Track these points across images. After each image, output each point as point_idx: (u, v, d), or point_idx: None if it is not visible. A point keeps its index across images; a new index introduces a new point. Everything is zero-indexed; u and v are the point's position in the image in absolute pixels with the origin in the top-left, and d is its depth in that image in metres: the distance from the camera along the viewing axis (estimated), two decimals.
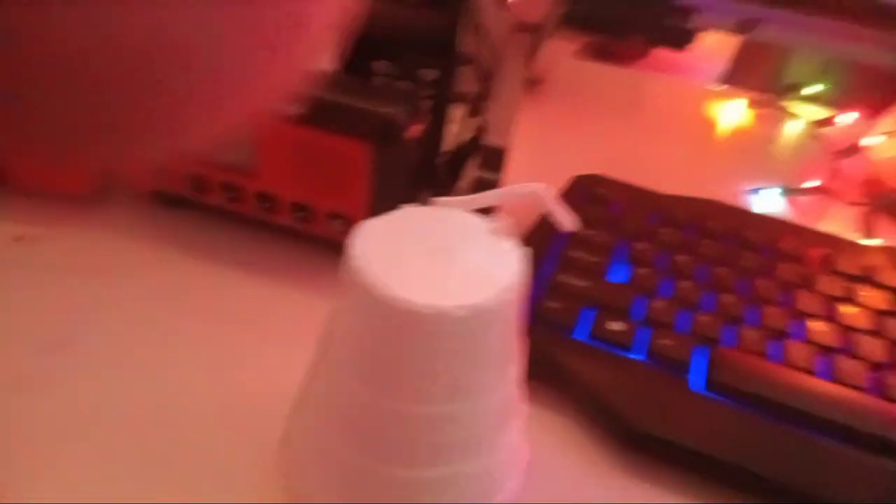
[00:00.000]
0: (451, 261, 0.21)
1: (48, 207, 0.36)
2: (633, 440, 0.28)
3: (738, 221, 0.39)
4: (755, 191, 0.48)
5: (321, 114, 0.32)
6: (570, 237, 0.36)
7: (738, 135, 0.56)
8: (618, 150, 0.50)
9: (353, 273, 0.20)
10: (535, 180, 0.44)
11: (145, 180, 0.36)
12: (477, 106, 0.40)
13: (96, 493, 0.24)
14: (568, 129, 0.54)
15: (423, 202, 0.23)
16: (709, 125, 0.57)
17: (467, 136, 0.41)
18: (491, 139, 0.39)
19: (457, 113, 0.41)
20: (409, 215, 0.23)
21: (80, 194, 0.37)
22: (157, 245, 0.35)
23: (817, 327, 0.33)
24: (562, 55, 0.63)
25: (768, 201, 0.48)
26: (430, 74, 0.38)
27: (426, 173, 0.37)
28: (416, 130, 0.33)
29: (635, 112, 0.59)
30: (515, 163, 0.48)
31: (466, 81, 0.41)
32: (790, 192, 0.48)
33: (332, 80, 0.33)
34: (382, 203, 0.34)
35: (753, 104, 0.58)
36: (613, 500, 0.27)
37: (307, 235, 0.36)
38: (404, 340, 0.20)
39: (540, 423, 0.30)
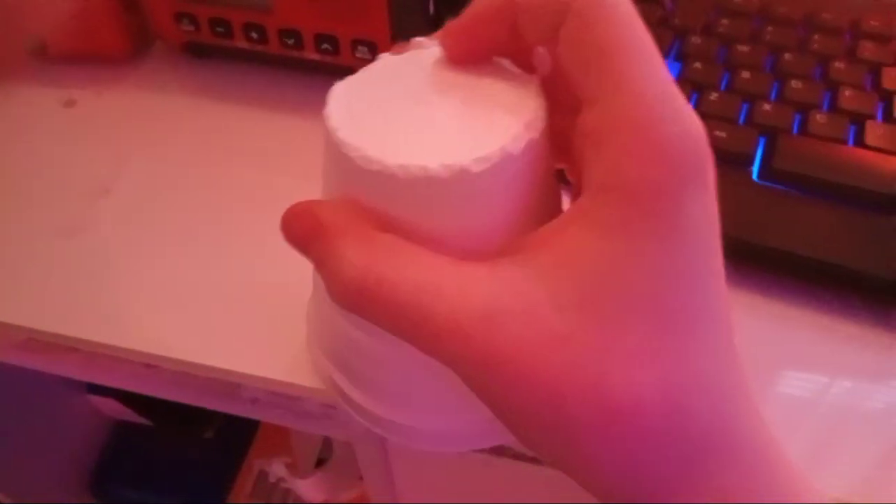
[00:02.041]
0: (457, 106, 0.17)
1: (90, 70, 0.37)
2: None
3: (817, 4, 0.34)
4: None
5: None
6: None
7: None
8: None
9: (334, 143, 0.16)
10: None
11: (175, 34, 0.36)
12: None
13: (132, 329, 0.26)
14: None
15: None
16: None
17: None
18: None
19: None
20: (392, 64, 0.18)
21: (119, 55, 0.37)
22: (193, 95, 0.36)
23: None
24: None
25: None
26: None
27: None
28: None
29: None
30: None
31: None
32: None
33: None
34: (404, 24, 0.32)
35: None
36: None
37: (335, 68, 0.34)
38: (411, 212, 0.16)
39: None
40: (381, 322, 0.15)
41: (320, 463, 0.57)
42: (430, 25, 0.33)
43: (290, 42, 0.34)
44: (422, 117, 0.16)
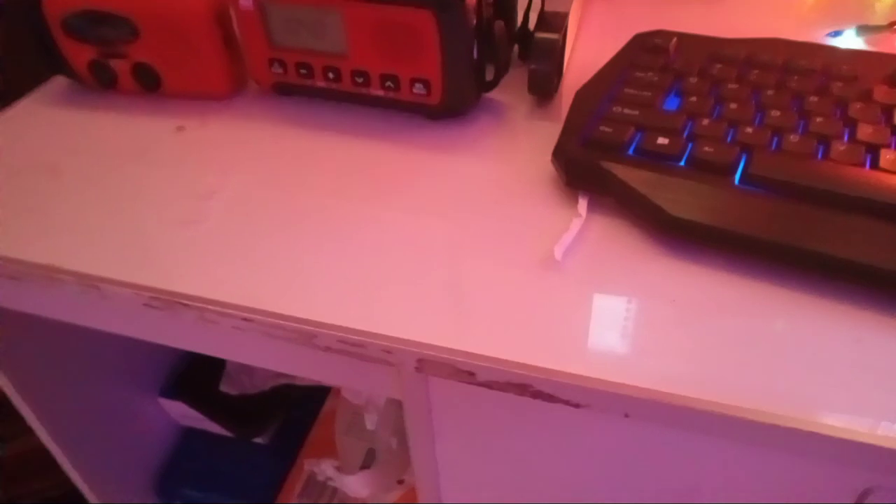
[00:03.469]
0: None
1: (197, 104, 0.45)
2: (673, 228, 0.33)
3: (796, 52, 0.41)
4: (836, 33, 0.49)
5: None
6: (627, 79, 0.40)
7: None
8: (697, 21, 0.52)
9: None
10: (601, 44, 0.48)
11: (267, 76, 0.44)
12: None
13: (236, 288, 0.33)
14: (645, 8, 0.56)
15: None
16: None
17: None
18: (550, 6, 0.43)
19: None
20: None
21: (221, 94, 0.46)
22: (279, 125, 0.44)
23: (867, 129, 0.35)
24: None
25: (849, 42, 0.48)
26: None
27: (495, 45, 0.42)
28: None
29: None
30: (585, 32, 0.52)
31: None
32: (869, 30, 0.48)
33: None
34: (453, 66, 0.40)
35: None
36: (664, 278, 0.32)
37: (396, 102, 0.42)
38: None
39: (599, 226, 0.35)
40: None
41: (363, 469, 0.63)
42: (474, 69, 0.41)
43: (360, 81, 0.42)
44: None
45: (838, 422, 0.26)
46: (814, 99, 0.37)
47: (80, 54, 0.45)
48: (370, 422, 0.59)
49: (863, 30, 0.48)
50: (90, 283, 0.34)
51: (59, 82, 0.49)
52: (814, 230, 0.31)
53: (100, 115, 0.46)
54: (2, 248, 0.36)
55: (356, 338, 0.31)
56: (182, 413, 0.65)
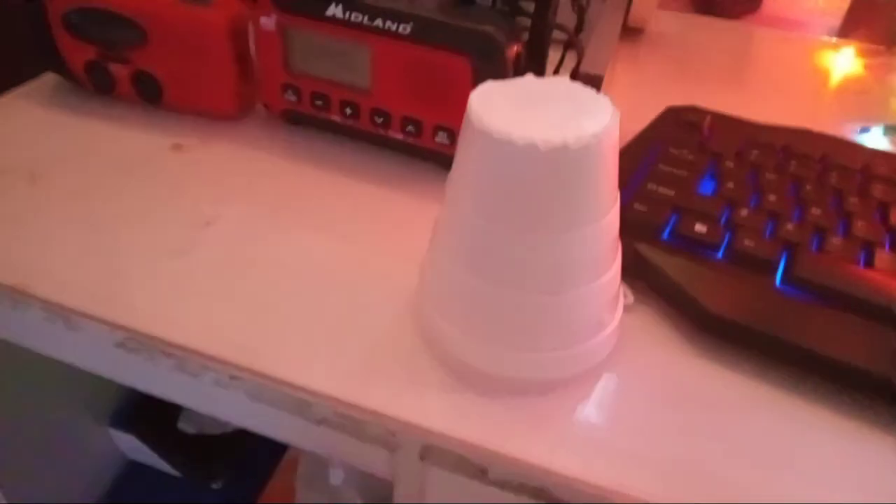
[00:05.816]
0: (558, 109, 0.24)
1: (198, 124, 0.42)
2: (709, 326, 0.30)
3: (832, 147, 0.40)
4: (864, 130, 0.48)
5: (430, 33, 0.36)
6: (661, 154, 0.38)
7: (851, 83, 0.55)
8: (719, 100, 0.51)
9: (475, 122, 0.23)
10: (629, 115, 0.46)
11: (278, 102, 0.41)
12: (573, 39, 0.43)
13: (224, 339, 0.29)
14: (667, 78, 0.55)
15: None
16: (819, 76, 0.56)
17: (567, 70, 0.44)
18: (586, 67, 0.41)
19: (555, 53, 0.43)
20: (521, 81, 0.26)
21: (226, 115, 0.43)
22: (285, 156, 0.41)
23: None
24: (666, 6, 0.64)
25: (876, 140, 0.47)
26: (529, 6, 0.41)
27: None
28: (513, 49, 0.36)
29: (740, 66, 0.59)
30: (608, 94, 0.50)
31: (564, 17, 0.43)
32: (894, 130, 0.47)
33: (440, 6, 0.37)
34: None
35: (865, 54, 0.57)
36: (693, 378, 0.29)
37: (415, 149, 0.39)
38: (527, 174, 0.23)
39: (629, 313, 0.32)
40: None
41: None
42: None
43: (380, 121, 0.39)
44: (536, 113, 0.24)
45: None
46: (854, 200, 0.36)
47: (79, 53, 0.42)
48: (335, 477, 0.55)
49: (890, 130, 0.47)
50: (58, 313, 0.30)
51: (49, 79, 0.45)
52: (862, 345, 0.29)
53: (91, 121, 0.42)
54: None
55: (357, 416, 0.27)
56: (132, 447, 0.60)
